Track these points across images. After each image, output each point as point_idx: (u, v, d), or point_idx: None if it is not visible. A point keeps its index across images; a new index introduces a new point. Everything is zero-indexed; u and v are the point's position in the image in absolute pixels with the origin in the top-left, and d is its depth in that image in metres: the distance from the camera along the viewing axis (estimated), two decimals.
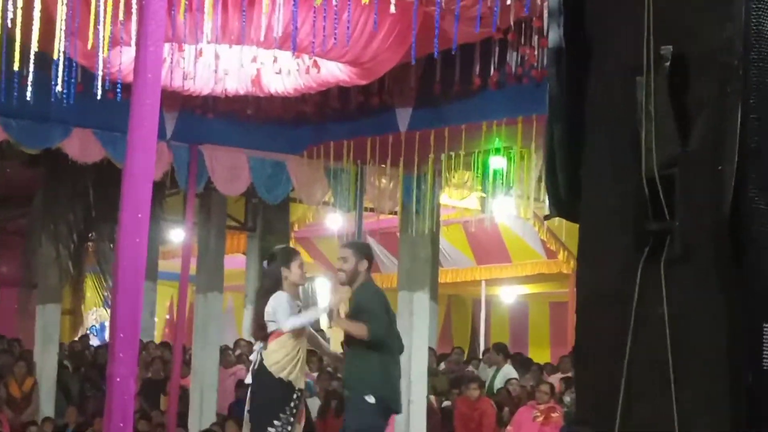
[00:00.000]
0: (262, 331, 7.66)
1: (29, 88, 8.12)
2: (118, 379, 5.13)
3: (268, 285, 7.82)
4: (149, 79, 5.23)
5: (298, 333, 7.59)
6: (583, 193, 3.41)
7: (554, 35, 3.54)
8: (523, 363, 15.69)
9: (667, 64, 3.10)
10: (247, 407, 7.76)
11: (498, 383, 14.15)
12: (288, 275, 7.78)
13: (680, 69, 3.09)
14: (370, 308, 7.71)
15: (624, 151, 3.21)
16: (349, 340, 7.81)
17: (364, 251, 8.06)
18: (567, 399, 12.55)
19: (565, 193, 3.52)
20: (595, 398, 3.31)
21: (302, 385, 7.68)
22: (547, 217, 3.86)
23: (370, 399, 7.66)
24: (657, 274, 3.08)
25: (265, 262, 8.07)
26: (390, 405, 7.98)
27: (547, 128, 3.61)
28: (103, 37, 7.68)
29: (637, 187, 3.13)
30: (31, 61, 7.84)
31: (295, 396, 7.53)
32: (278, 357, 7.51)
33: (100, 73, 8.15)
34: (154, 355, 15.40)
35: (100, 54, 7.80)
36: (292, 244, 15.17)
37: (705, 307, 3.01)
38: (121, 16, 7.50)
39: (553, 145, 3.54)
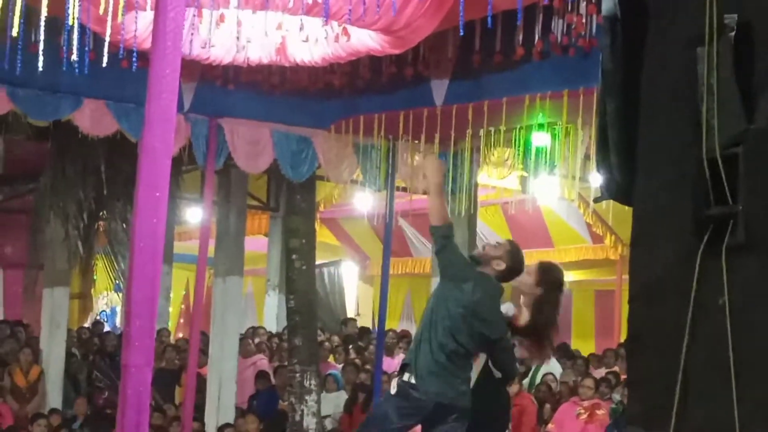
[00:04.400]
0: None
1: (40, 57, 8.15)
2: (133, 370, 5.15)
3: None
4: (168, 48, 5.22)
5: None
6: (637, 174, 3.39)
7: (608, 3, 3.52)
8: (566, 354, 15.68)
9: (732, 33, 3.07)
10: None
11: (540, 380, 14.14)
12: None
13: (746, 39, 3.06)
14: None
15: (683, 129, 3.19)
16: None
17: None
18: (616, 396, 12.53)
19: (619, 175, 3.51)
20: (648, 396, 3.30)
21: None
22: (597, 200, 3.85)
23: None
24: (718, 262, 3.06)
25: None
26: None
27: (600, 104, 3.59)
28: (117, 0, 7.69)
29: (697, 168, 3.11)
30: (42, 26, 7.86)
31: None
32: None
33: (108, 39, 8.15)
34: (167, 343, 15.50)
35: (109, 19, 7.81)
36: (317, 225, 15.19)
37: None
38: None
39: (606, 122, 3.52)
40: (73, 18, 7.42)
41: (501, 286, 7.25)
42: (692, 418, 3.11)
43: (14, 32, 7.71)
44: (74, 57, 7.90)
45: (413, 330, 20.64)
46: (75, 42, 7.88)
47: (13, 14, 7.71)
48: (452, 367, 7.02)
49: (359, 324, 19.04)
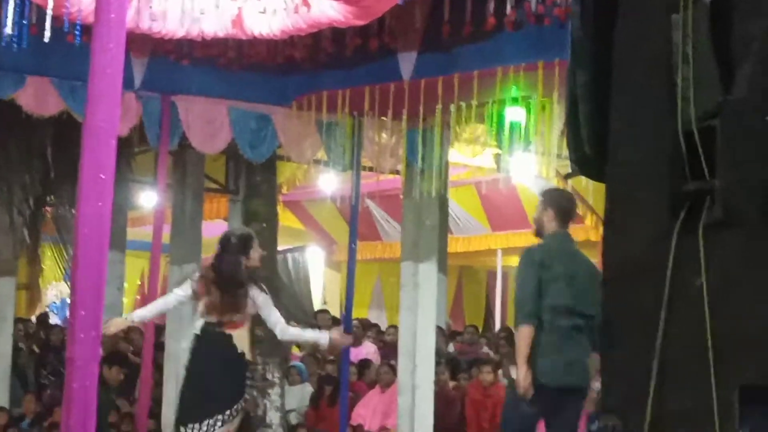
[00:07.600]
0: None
1: None
2: (78, 363, 5.13)
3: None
4: (112, 20, 5.19)
5: None
6: (609, 148, 3.40)
7: None
8: None
9: None
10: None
11: None
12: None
13: (723, 5, 3.07)
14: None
15: (657, 100, 3.19)
16: None
17: (551, 199, 7.92)
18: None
19: (590, 149, 3.51)
20: (624, 383, 3.31)
21: None
22: (568, 176, 3.86)
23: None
24: (695, 240, 3.07)
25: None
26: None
27: (569, 75, 3.59)
28: None
29: (673, 141, 3.12)
30: None
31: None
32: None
33: (50, 12, 8.11)
34: (120, 336, 15.42)
35: None
36: (280, 209, 15.17)
37: (749, 277, 3.00)
38: None
39: (576, 94, 3.53)
40: None
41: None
42: (669, 406, 3.12)
43: None
44: (8, 30, 7.82)
45: (383, 318, 20.69)
46: (14, 15, 7.83)
47: None
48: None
49: None
